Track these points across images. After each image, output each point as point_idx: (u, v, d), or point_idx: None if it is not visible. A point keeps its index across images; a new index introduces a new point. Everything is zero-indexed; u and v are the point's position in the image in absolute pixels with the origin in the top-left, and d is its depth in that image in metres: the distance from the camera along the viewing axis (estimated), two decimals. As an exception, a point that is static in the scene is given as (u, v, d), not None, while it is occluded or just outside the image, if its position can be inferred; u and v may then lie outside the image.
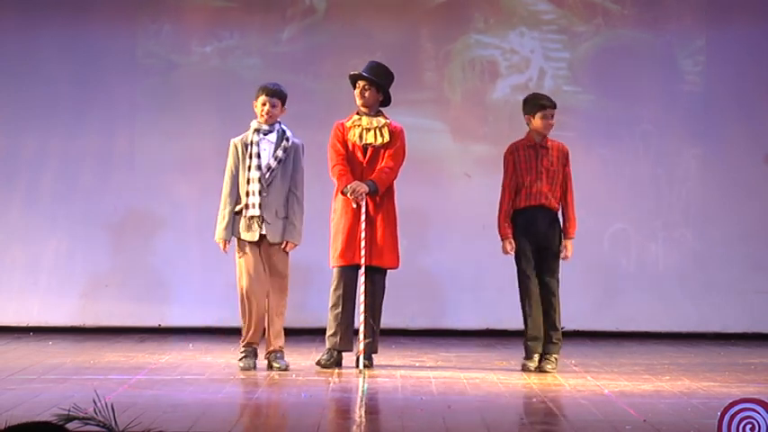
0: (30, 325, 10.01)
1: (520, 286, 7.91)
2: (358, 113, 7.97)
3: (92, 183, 10.10)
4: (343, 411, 6.44)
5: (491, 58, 10.26)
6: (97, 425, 4.68)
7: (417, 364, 8.19)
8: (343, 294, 7.86)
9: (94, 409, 4.80)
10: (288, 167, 7.75)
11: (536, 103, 7.97)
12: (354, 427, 5.85)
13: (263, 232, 7.68)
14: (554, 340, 7.88)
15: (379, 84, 7.91)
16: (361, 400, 6.74)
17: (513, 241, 7.86)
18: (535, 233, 7.87)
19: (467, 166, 10.18)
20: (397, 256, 7.96)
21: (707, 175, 10.10)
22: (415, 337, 9.69)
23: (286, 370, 7.67)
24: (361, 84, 7.92)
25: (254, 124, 7.82)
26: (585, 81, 10.17)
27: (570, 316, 10.02)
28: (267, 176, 7.70)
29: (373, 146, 7.90)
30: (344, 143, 7.92)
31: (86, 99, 10.11)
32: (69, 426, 4.57)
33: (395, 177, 7.94)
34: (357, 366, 7.72)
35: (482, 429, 5.88)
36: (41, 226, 10.09)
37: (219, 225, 7.75)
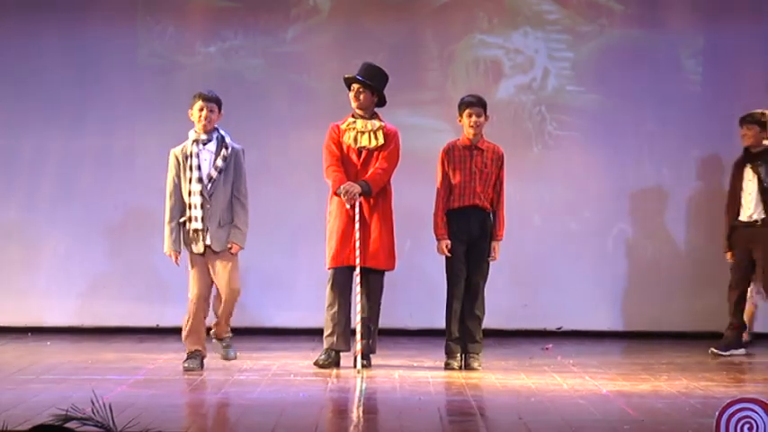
0: (28, 325, 10.00)
1: (448, 287, 7.98)
2: (353, 116, 7.98)
3: (91, 183, 10.09)
4: (342, 411, 6.44)
5: (495, 58, 10.25)
6: (95, 425, 4.69)
7: (416, 364, 8.19)
8: (339, 295, 7.87)
9: (92, 410, 4.81)
10: (229, 174, 7.74)
11: (462, 102, 8.06)
12: (352, 427, 5.86)
13: (208, 242, 7.70)
14: (477, 339, 7.98)
15: (373, 86, 7.92)
16: (360, 400, 6.75)
17: (449, 242, 7.91)
18: (467, 233, 7.93)
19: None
20: (393, 258, 7.97)
21: (710, 176, 10.08)
22: (414, 337, 9.68)
23: (234, 359, 7.91)
24: (355, 87, 7.94)
25: (191, 135, 7.80)
26: (589, 81, 10.17)
27: (569, 316, 10.05)
28: (209, 187, 7.70)
29: (368, 149, 7.91)
30: (339, 145, 7.93)
31: (87, 100, 10.09)
32: (67, 426, 4.58)
33: (388, 179, 7.95)
34: (355, 366, 7.72)
35: (480, 429, 5.89)
36: (41, 226, 10.09)
37: (167, 239, 7.75)
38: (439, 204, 7.98)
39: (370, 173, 7.86)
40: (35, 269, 10.06)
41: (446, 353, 8.01)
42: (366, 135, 7.92)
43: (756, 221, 8.70)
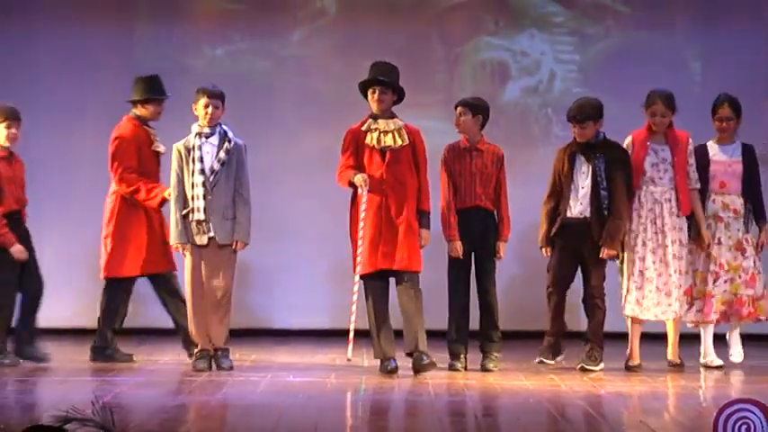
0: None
1: (449, 288, 7.96)
2: (371, 117, 7.82)
3: (91, 182, 10.09)
4: (341, 412, 6.45)
5: (501, 61, 10.26)
6: (95, 426, 4.70)
7: (415, 365, 8.19)
8: (378, 301, 7.86)
9: (93, 411, 4.82)
10: (231, 168, 7.76)
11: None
12: (352, 428, 5.87)
13: (212, 234, 7.71)
14: (494, 339, 7.95)
15: (394, 85, 7.84)
16: (359, 401, 6.75)
17: (460, 243, 7.86)
18: (470, 234, 7.91)
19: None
20: (420, 258, 7.92)
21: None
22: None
23: (230, 370, 7.68)
24: (378, 89, 7.77)
25: (194, 128, 7.84)
26: (595, 83, 10.15)
27: (569, 317, 10.05)
28: (211, 180, 7.72)
29: (392, 149, 7.79)
30: (359, 151, 7.75)
31: (89, 102, 10.08)
32: (67, 427, 4.59)
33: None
34: (349, 359, 7.73)
35: (479, 430, 5.90)
36: (40, 226, 10.08)
37: (174, 230, 7.79)
38: (448, 205, 7.92)
39: (423, 199, 7.77)
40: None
41: (449, 354, 7.98)
42: (390, 135, 7.77)
43: (586, 218, 8.12)
